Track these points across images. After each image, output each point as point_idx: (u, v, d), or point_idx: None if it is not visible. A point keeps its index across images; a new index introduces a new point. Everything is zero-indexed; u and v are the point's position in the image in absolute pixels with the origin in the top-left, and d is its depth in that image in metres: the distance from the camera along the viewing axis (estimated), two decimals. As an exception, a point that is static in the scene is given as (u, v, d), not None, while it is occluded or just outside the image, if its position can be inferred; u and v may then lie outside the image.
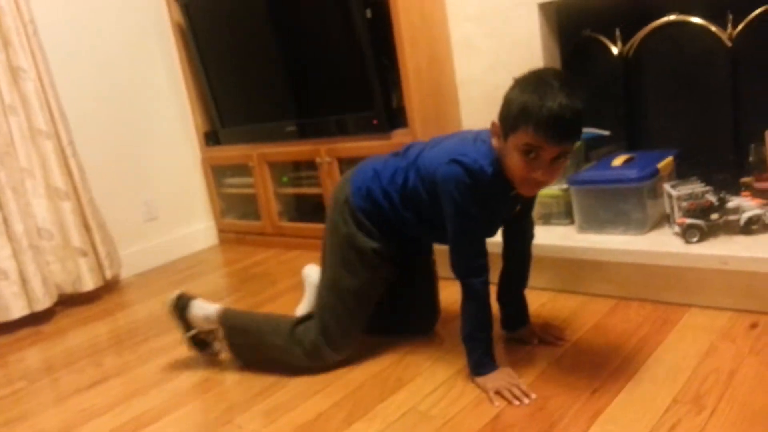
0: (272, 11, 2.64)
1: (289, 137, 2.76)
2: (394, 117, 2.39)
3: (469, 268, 1.43)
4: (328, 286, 1.64)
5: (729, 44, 1.95)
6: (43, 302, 2.45)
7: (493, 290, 1.50)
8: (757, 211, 1.68)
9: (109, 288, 2.73)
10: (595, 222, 1.90)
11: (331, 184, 2.55)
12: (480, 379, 1.44)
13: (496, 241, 1.56)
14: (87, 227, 2.60)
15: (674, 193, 1.77)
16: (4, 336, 2.37)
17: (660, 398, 1.29)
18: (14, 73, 2.44)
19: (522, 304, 1.66)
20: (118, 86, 2.88)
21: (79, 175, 2.58)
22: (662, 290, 1.71)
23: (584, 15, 2.18)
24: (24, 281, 2.40)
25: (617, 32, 2.15)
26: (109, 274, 2.67)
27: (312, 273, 1.90)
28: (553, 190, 2.01)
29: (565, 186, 1.98)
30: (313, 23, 2.55)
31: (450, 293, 1.70)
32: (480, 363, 1.45)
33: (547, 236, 1.93)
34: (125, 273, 2.89)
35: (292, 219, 3.00)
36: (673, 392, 1.30)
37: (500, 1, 2.22)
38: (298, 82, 2.69)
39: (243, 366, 1.73)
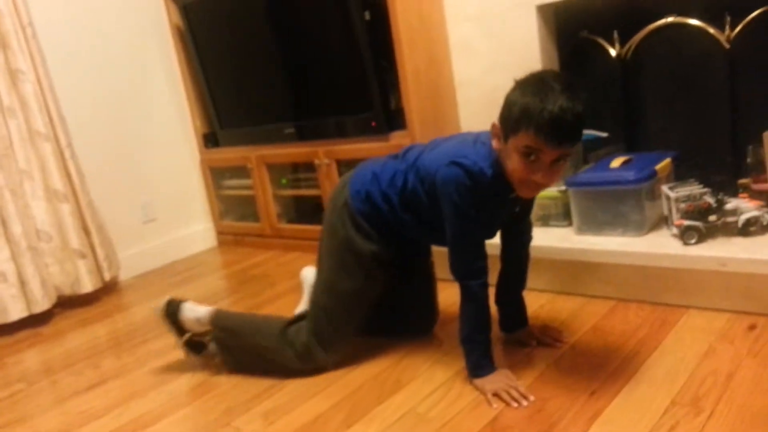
0: (271, 13, 2.64)
1: (287, 139, 2.76)
2: (393, 119, 2.39)
3: (468, 270, 1.43)
4: (323, 288, 1.64)
5: (727, 46, 1.95)
6: (42, 304, 2.44)
7: (491, 292, 1.50)
8: (755, 213, 1.69)
9: (107, 290, 2.73)
10: (593, 223, 1.90)
11: (330, 186, 2.55)
12: (478, 381, 1.44)
13: (494, 243, 1.56)
14: (86, 229, 2.60)
15: (672, 194, 1.77)
16: (2, 338, 2.36)
17: (658, 400, 1.29)
18: (13, 75, 2.44)
19: (520, 306, 1.66)
20: (117, 88, 2.88)
21: (77, 177, 2.58)
22: (661, 292, 1.71)
23: (582, 17, 2.18)
24: (23, 283, 2.40)
25: (615, 34, 2.15)
26: (107, 276, 2.67)
27: (310, 275, 1.90)
28: (551, 191, 2.01)
29: (563, 187, 1.98)
30: (312, 25, 2.55)
31: (449, 295, 1.70)
32: (478, 365, 1.45)
33: (545, 238, 1.93)
34: (124, 275, 2.89)
35: (290, 221, 3.00)
36: (672, 394, 1.30)
37: (498, 3, 2.22)
38: (297, 83, 2.69)
39: (231, 370, 1.72)
